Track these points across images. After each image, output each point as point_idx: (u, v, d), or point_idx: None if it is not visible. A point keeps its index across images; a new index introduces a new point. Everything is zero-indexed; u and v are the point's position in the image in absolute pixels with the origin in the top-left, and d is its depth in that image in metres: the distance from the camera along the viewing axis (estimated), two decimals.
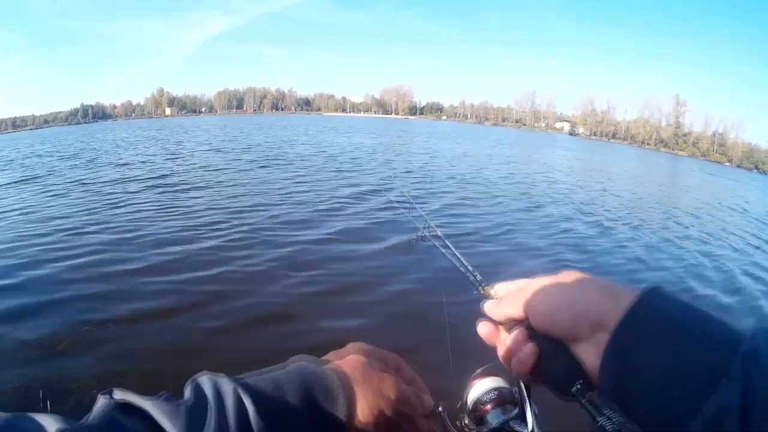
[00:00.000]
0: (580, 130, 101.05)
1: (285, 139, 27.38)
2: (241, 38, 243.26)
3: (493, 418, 0.64)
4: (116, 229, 6.94)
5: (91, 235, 6.66)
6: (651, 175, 26.28)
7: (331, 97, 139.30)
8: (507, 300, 0.59)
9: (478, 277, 0.72)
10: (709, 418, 0.37)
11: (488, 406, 0.66)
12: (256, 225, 7.30)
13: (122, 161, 16.12)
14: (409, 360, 0.69)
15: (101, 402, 0.45)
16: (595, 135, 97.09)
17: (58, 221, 7.56)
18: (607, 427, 0.45)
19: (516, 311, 0.57)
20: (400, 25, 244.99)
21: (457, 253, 0.81)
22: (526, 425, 0.60)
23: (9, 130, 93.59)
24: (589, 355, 0.49)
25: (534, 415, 0.59)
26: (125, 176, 12.25)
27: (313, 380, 0.55)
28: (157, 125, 55.51)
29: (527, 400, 0.60)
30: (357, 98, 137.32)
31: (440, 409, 0.67)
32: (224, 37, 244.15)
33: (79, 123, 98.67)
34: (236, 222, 7.46)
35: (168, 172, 13.29)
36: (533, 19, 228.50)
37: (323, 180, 11.98)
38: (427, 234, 1.19)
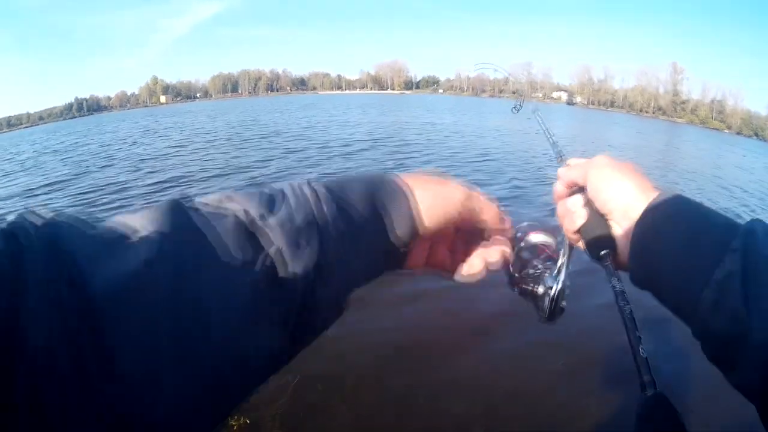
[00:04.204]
0: (578, 99, 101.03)
1: (320, 122, 24.47)
2: (230, 21, 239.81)
3: (535, 267, 0.69)
4: None
5: None
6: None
7: (326, 75, 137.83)
8: (574, 167, 0.68)
9: (559, 149, 0.85)
10: (719, 284, 0.45)
11: (535, 257, 0.70)
12: None
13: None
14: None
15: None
16: (593, 104, 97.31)
17: None
18: (615, 288, 0.56)
19: (578, 177, 0.67)
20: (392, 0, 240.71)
21: (547, 131, 0.94)
22: (559, 279, 0.65)
23: (5, 130, 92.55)
24: (618, 232, 0.61)
25: (568, 271, 0.65)
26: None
27: (378, 181, 0.53)
28: (161, 113, 52.88)
29: (567, 257, 0.67)
30: (352, 76, 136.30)
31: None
32: (213, 21, 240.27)
33: (74, 117, 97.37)
34: None
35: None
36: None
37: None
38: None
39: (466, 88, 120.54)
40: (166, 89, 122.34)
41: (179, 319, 0.35)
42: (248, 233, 0.41)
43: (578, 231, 0.65)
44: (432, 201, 0.53)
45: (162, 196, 8.27)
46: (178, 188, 9.41)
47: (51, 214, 0.35)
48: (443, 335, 3.95)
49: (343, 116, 28.29)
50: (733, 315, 0.44)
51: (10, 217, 0.32)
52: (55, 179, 11.90)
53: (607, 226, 0.62)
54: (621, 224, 0.60)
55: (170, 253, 0.36)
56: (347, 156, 12.39)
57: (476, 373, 3.38)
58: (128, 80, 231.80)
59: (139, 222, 0.38)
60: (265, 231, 0.42)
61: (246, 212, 0.42)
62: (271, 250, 0.41)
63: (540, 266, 0.67)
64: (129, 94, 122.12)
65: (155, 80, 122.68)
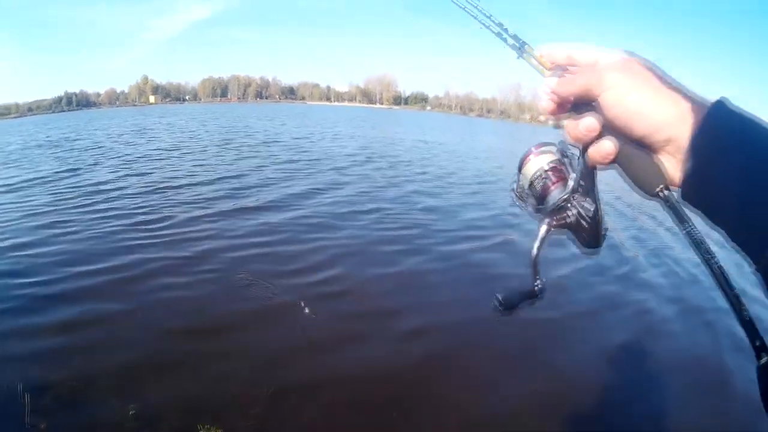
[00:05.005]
0: (565, 123, 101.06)
1: (313, 133, 24.70)
2: (221, 22, 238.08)
3: (559, 194, 0.62)
4: None
5: None
6: None
7: (316, 86, 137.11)
8: (576, 78, 0.54)
9: (512, 35, 0.62)
10: None
11: (552, 183, 0.62)
12: None
13: None
14: None
15: None
16: None
17: None
18: (693, 236, 0.48)
19: (586, 90, 0.53)
20: (383, 13, 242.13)
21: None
22: (596, 199, 0.59)
23: None
24: (668, 165, 0.51)
25: (597, 191, 0.59)
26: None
27: None
28: (153, 113, 52.23)
29: (595, 184, 0.59)
30: (341, 87, 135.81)
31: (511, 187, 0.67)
32: (205, 22, 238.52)
33: (63, 111, 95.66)
34: None
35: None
36: (517, 10, 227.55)
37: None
38: None
39: (454, 106, 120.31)
40: (156, 89, 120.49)
41: None
42: None
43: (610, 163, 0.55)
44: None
45: (153, 199, 8.30)
46: (177, 190, 9.55)
47: None
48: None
49: (335, 129, 28.60)
50: None
51: None
52: (45, 174, 11.76)
53: (650, 156, 0.52)
54: (666, 152, 0.51)
55: None
56: (340, 170, 12.62)
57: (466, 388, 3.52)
58: (117, 77, 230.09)
59: None
60: None
61: None
62: None
63: (559, 192, 0.62)
64: (118, 91, 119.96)
65: (146, 80, 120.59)
